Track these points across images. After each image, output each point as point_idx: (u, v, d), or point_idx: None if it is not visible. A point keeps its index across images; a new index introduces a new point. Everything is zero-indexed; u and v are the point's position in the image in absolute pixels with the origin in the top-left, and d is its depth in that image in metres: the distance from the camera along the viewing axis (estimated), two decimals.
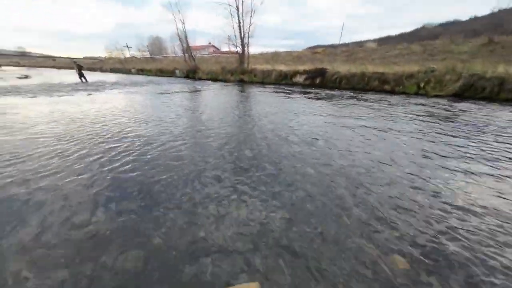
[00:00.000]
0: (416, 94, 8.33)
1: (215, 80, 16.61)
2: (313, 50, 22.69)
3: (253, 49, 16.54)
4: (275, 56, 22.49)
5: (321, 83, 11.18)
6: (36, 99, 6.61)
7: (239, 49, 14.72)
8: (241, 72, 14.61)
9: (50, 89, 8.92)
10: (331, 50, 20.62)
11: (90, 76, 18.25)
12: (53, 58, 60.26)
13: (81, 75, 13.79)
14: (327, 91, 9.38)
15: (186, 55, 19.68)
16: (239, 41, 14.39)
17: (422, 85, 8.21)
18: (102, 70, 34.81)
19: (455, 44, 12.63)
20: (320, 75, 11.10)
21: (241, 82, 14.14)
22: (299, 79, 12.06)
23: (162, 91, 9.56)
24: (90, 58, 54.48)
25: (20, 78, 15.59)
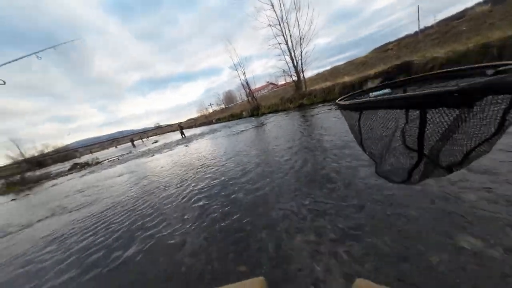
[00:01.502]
0: None
1: (276, 111, 17.32)
2: (382, 49, 19.22)
3: (308, 73, 16.40)
4: (334, 71, 20.98)
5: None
6: (155, 156, 9.35)
7: (294, 77, 14.94)
8: (299, 97, 14.37)
9: (164, 147, 12.58)
10: (408, 40, 16.59)
11: (187, 133, 24.62)
12: (171, 125, 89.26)
13: (182, 133, 18.84)
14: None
15: (249, 97, 22.53)
16: (293, 70, 14.77)
17: None
18: (195, 126, 46.70)
19: None
20: (403, 70, 8.62)
21: (301, 107, 13.71)
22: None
23: (232, 132, 10.82)
24: (189, 119, 75.53)
25: (153, 143, 23.62)
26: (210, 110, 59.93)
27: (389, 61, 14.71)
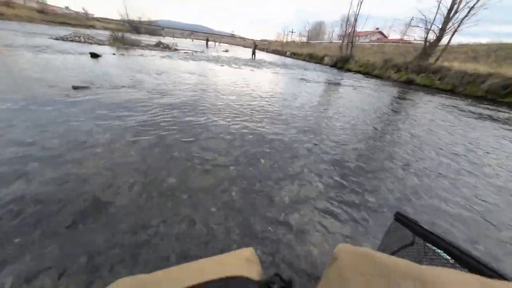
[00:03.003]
0: None
1: (368, 74, 13.35)
2: None
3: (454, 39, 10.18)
4: (499, 50, 13.07)
5: None
6: (223, 67, 9.03)
7: (432, 35, 9.86)
8: (415, 69, 10.11)
9: (233, 61, 12.00)
10: None
11: (258, 55, 22.68)
12: (244, 39, 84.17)
13: (253, 53, 17.36)
14: None
15: (344, 41, 17.39)
16: (439, 23, 9.48)
17: None
18: (267, 51, 42.60)
19: None
20: None
21: (410, 85, 9.89)
22: None
23: (303, 77, 9.10)
24: (263, 40, 68.76)
25: (224, 51, 23.13)
26: (289, 39, 51.65)
27: None
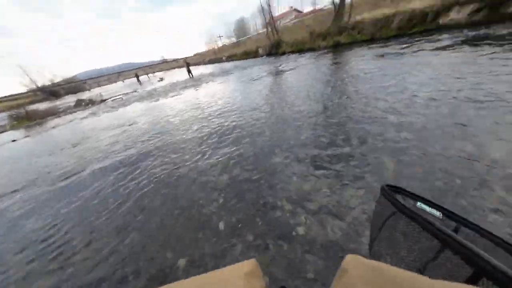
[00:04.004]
0: None
1: (301, 51, 13.92)
2: None
3: None
4: None
5: None
6: (159, 102, 8.10)
7: None
8: (337, 32, 10.83)
9: (170, 89, 11.06)
10: None
11: (195, 71, 21.86)
12: (176, 60, 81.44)
13: (189, 71, 16.54)
14: None
15: (269, 28, 17.92)
16: None
17: None
18: (203, 63, 41.85)
19: None
20: None
21: (337, 47, 10.53)
22: (458, 15, 6.71)
23: (247, 77, 8.84)
24: (196, 54, 67.64)
25: (158, 81, 21.63)
26: (220, 44, 51.79)
27: None
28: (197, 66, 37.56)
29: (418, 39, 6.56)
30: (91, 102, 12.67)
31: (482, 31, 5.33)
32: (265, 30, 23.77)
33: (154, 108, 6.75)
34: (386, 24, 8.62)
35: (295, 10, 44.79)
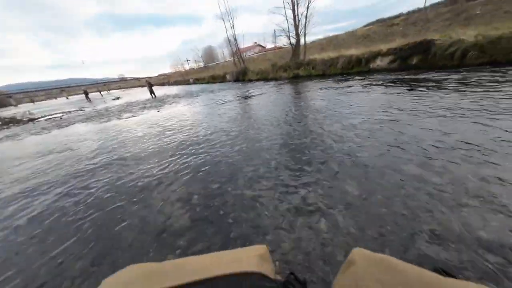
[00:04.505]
0: None
1: (265, 79, 15.25)
2: (386, 23, 17.45)
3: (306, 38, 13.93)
4: (333, 40, 18.83)
5: (422, 62, 7.57)
6: (111, 122, 7.11)
7: (293, 40, 12.60)
8: (295, 66, 12.50)
9: (127, 109, 10.00)
10: (417, 16, 15.13)
11: (158, 91, 20.88)
12: (138, 79, 76.95)
13: (151, 92, 15.62)
14: (438, 75, 5.97)
15: (235, 58, 19.29)
16: (293, 31, 12.27)
17: None
18: (168, 84, 40.73)
19: None
20: (421, 51, 7.52)
21: (296, 79, 12.04)
22: (381, 62, 8.78)
23: (212, 100, 8.89)
24: (161, 75, 65.89)
25: (113, 99, 19.54)
26: (187, 67, 52.24)
27: (394, 38, 13.42)
28: (161, 87, 36.17)
29: (356, 77, 8.15)
30: (13, 121, 10.10)
31: (393, 76, 7.02)
32: (232, 58, 25.51)
33: (102, 131, 5.81)
34: (333, 64, 10.48)
35: (259, 45, 50.38)
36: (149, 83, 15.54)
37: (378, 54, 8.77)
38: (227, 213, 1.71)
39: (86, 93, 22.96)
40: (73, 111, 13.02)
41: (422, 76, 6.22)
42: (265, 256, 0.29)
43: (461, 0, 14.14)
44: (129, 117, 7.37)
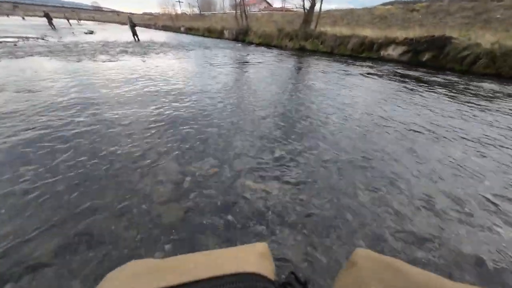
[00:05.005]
0: None
1: (268, 45, 13.76)
2: (407, 6, 16.03)
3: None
4: (348, 14, 17.04)
5: (432, 61, 7.30)
6: (89, 63, 5.92)
7: (307, 2, 10.99)
8: (303, 37, 11.29)
9: (103, 49, 8.39)
10: (438, 7, 14.07)
11: (143, 34, 17.87)
12: (117, 13, 64.41)
13: (134, 33, 13.26)
14: (450, 77, 5.85)
15: (238, 11, 16.67)
16: None
17: None
18: (155, 27, 34.98)
19: None
20: (435, 47, 7.14)
21: (302, 51, 11.02)
22: (393, 52, 8.27)
23: (207, 61, 7.85)
24: (146, 14, 55.87)
25: (86, 33, 16.32)
26: (178, 10, 44.54)
27: (411, 25, 12.59)
28: (146, 29, 31.07)
29: (364, 63, 7.68)
30: None
31: (401, 71, 6.75)
32: (233, 11, 22.10)
33: (71, 74, 4.74)
34: (343, 43, 9.64)
35: (265, 1, 44.13)
36: (132, 21, 13.04)
37: (393, 42, 8.17)
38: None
39: (49, 18, 18.60)
40: (32, 38, 10.60)
41: (431, 77, 6.03)
42: (265, 255, 0.27)
43: None
44: (105, 61, 6.19)
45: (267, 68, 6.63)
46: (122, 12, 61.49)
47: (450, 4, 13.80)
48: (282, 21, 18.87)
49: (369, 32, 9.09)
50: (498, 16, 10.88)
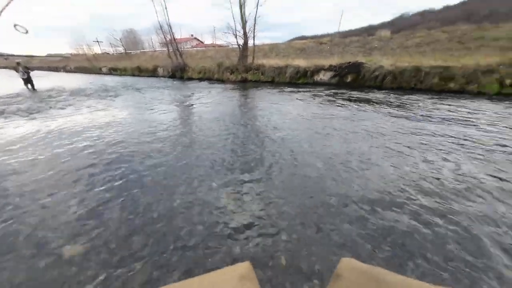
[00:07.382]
0: (498, 94, 6.26)
1: (209, 80, 13.50)
2: (317, 40, 20.10)
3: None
4: (274, 48, 19.59)
5: (354, 81, 8.75)
6: None
7: (240, 40, 11.69)
8: (244, 70, 11.70)
9: None
10: (338, 40, 18.24)
11: (45, 80, 14.17)
12: (5, 56, 51.27)
13: (28, 81, 10.09)
14: (367, 93, 6.99)
15: (170, 49, 16.08)
16: (240, 30, 11.33)
17: (508, 82, 6.13)
18: (66, 70, 29.42)
19: (482, 30, 10.82)
20: (354, 71, 8.66)
21: (244, 83, 11.27)
22: (323, 77, 9.52)
23: (145, 105, 6.50)
24: (52, 55, 47.14)
25: None
26: (98, 50, 39.84)
27: (325, 54, 15.44)
28: (54, 73, 25.55)
29: (303, 89, 8.37)
30: None
31: (339, 91, 7.69)
32: (163, 49, 21.41)
33: None
34: (282, 72, 10.50)
35: (196, 38, 46.26)
36: (25, 67, 9.96)
37: (322, 69, 9.46)
38: None
39: None
40: None
41: (359, 93, 7.01)
42: (247, 276, 0.25)
43: (364, 34, 18.35)
44: None
45: (218, 109, 5.95)
46: (12, 55, 49.73)
47: (345, 38, 18.18)
48: (217, 56, 19.61)
49: (300, 62, 10.29)
50: (375, 45, 14.92)
